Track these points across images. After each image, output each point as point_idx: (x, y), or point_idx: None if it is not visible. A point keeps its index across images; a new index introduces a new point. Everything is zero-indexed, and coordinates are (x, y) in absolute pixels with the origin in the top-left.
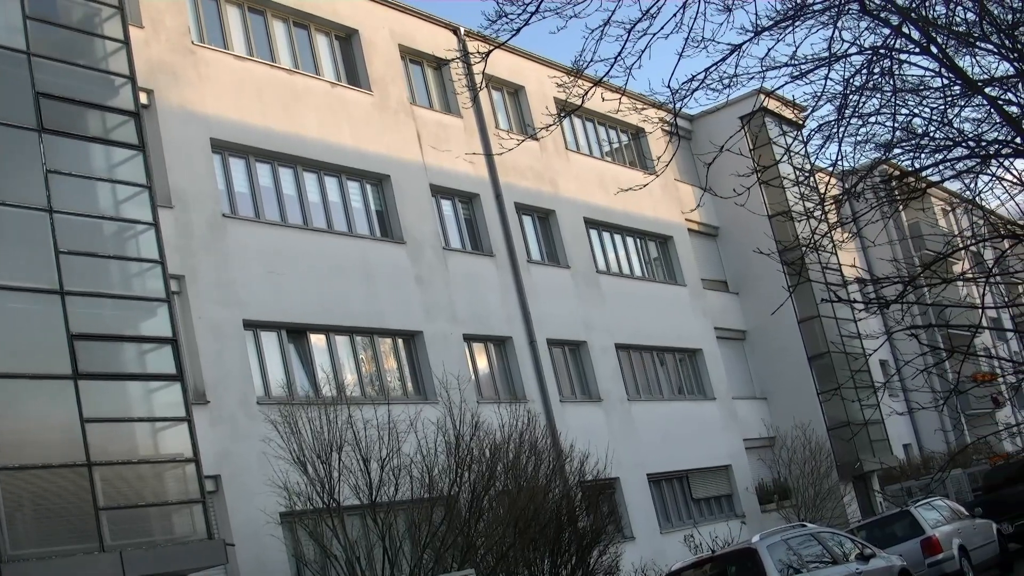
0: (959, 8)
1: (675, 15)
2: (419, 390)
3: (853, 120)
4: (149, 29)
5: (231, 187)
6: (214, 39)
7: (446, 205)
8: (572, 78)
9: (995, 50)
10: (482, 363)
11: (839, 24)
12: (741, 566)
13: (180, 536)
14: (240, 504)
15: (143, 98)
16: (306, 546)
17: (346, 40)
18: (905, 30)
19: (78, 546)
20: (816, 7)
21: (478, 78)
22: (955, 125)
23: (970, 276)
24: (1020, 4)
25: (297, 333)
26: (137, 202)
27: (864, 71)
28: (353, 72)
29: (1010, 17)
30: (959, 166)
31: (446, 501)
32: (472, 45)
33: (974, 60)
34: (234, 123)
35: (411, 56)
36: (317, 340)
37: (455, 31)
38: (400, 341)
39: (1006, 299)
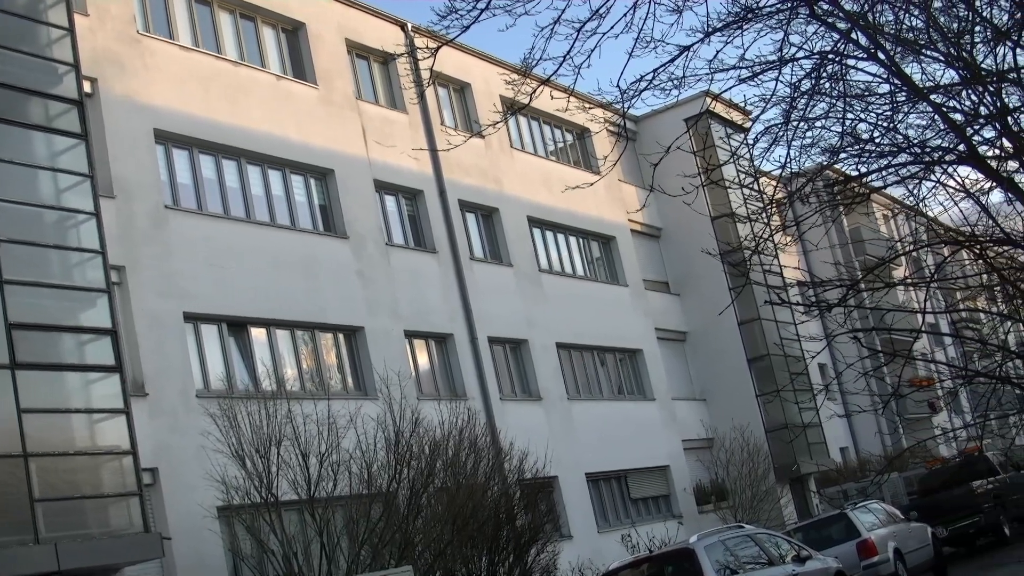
0: (907, 16)
1: (625, 15)
2: (359, 386)
3: (800, 124)
4: (94, 17)
5: (174, 178)
6: (160, 29)
7: (390, 201)
8: (520, 76)
9: (941, 58)
10: (423, 360)
11: (788, 28)
12: (678, 566)
13: (116, 529)
14: (177, 497)
15: (87, 87)
16: (243, 541)
17: (293, 33)
18: (853, 36)
19: (12, 537)
20: (766, 11)
21: (425, 74)
22: (900, 131)
23: (911, 281)
24: (966, 13)
25: (238, 326)
26: (79, 191)
27: (812, 75)
28: (299, 65)
29: (956, 25)
30: (903, 172)
31: (385, 497)
32: (420, 41)
33: (920, 67)
34: (178, 114)
35: (358, 51)
36: (258, 334)
37: (403, 26)
38: (341, 336)
39: (946, 305)
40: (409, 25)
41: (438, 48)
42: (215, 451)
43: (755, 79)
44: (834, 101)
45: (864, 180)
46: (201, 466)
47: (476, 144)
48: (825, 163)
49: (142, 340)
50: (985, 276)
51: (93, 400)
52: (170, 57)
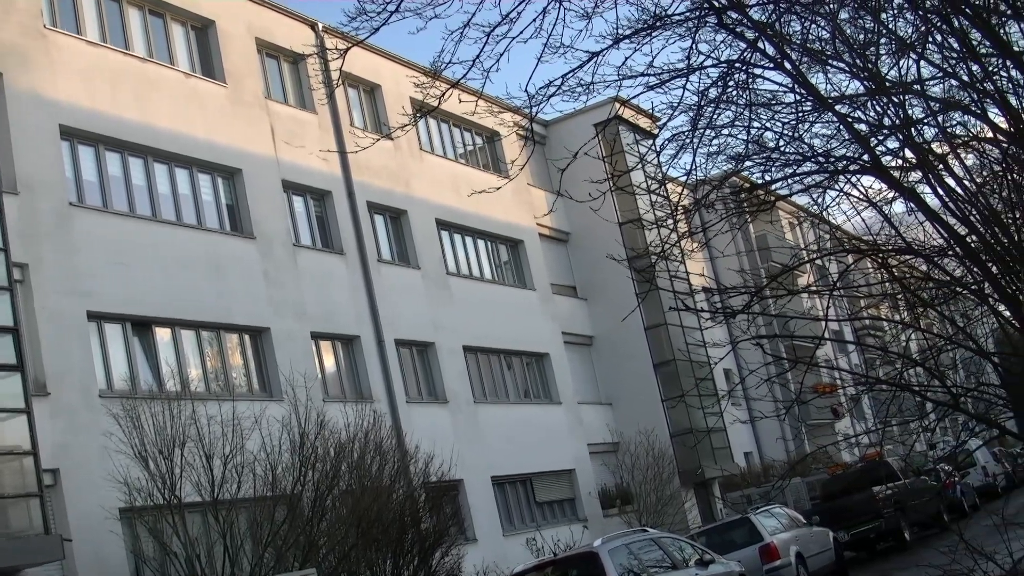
0: (814, 26)
1: (535, 20)
2: (265, 387)
3: (707, 131)
4: (0, 10)
5: (79, 175)
6: (67, 24)
7: (298, 201)
8: (430, 79)
9: (846, 68)
10: (329, 361)
11: (697, 36)
12: (583, 570)
13: (16, 530)
14: (79, 499)
15: None
16: (146, 543)
17: (202, 31)
18: (761, 45)
19: None
20: (675, 19)
21: (335, 75)
22: (805, 140)
23: (814, 289)
24: (872, 25)
25: (142, 326)
26: None
27: (719, 84)
28: (208, 63)
29: (862, 37)
30: (808, 181)
31: (289, 500)
32: (330, 41)
33: (826, 77)
34: (84, 110)
35: (268, 50)
36: (162, 333)
37: (313, 26)
38: (247, 337)
39: (848, 313)
40: (320, 25)
41: (348, 49)
42: (118, 452)
43: (663, 86)
44: (741, 109)
45: (769, 188)
46: (103, 467)
47: (385, 146)
48: (731, 170)
49: (44, 339)
50: (887, 285)
51: None
52: (77, 52)
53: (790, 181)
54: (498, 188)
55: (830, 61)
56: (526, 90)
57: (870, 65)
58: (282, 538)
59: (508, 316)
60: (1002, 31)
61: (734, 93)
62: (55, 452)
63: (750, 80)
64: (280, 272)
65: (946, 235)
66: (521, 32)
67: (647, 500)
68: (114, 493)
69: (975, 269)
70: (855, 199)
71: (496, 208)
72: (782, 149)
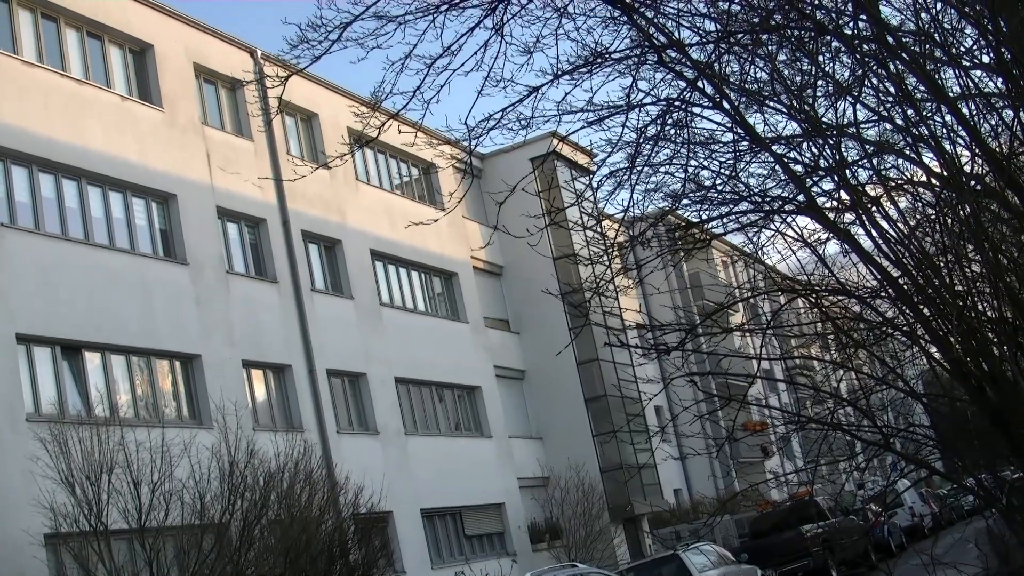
0: (752, 67)
1: (476, 53)
2: (194, 414)
3: (644, 169)
4: None
5: (12, 196)
6: (3, 43)
7: (232, 228)
8: (369, 109)
9: (784, 110)
10: (260, 390)
11: (637, 74)
12: None
13: None
14: (2, 523)
15: None
16: (70, 569)
17: (140, 54)
18: (700, 85)
19: None
20: (615, 56)
21: (273, 103)
22: (742, 180)
23: (748, 328)
24: (810, 67)
25: (72, 350)
26: None
27: (658, 121)
28: (145, 87)
29: (799, 79)
30: (743, 220)
31: (217, 528)
32: (269, 69)
33: (763, 118)
34: (17, 130)
35: (205, 75)
36: (92, 358)
37: (252, 53)
38: (177, 363)
39: (780, 352)
40: (259, 52)
41: (288, 77)
42: (44, 477)
43: (602, 123)
44: (678, 147)
45: (705, 226)
46: (28, 492)
47: (321, 175)
48: (667, 208)
49: None
50: (819, 325)
51: None
52: (12, 71)
53: (726, 220)
54: (435, 220)
55: (767, 102)
56: (466, 123)
57: (807, 107)
58: (209, 567)
59: (440, 348)
60: (937, 76)
61: (672, 131)
62: None
63: (688, 119)
64: (212, 299)
65: (879, 276)
66: (462, 65)
67: (576, 535)
68: (39, 519)
69: (907, 311)
70: (790, 239)
71: (431, 240)
72: (718, 188)
